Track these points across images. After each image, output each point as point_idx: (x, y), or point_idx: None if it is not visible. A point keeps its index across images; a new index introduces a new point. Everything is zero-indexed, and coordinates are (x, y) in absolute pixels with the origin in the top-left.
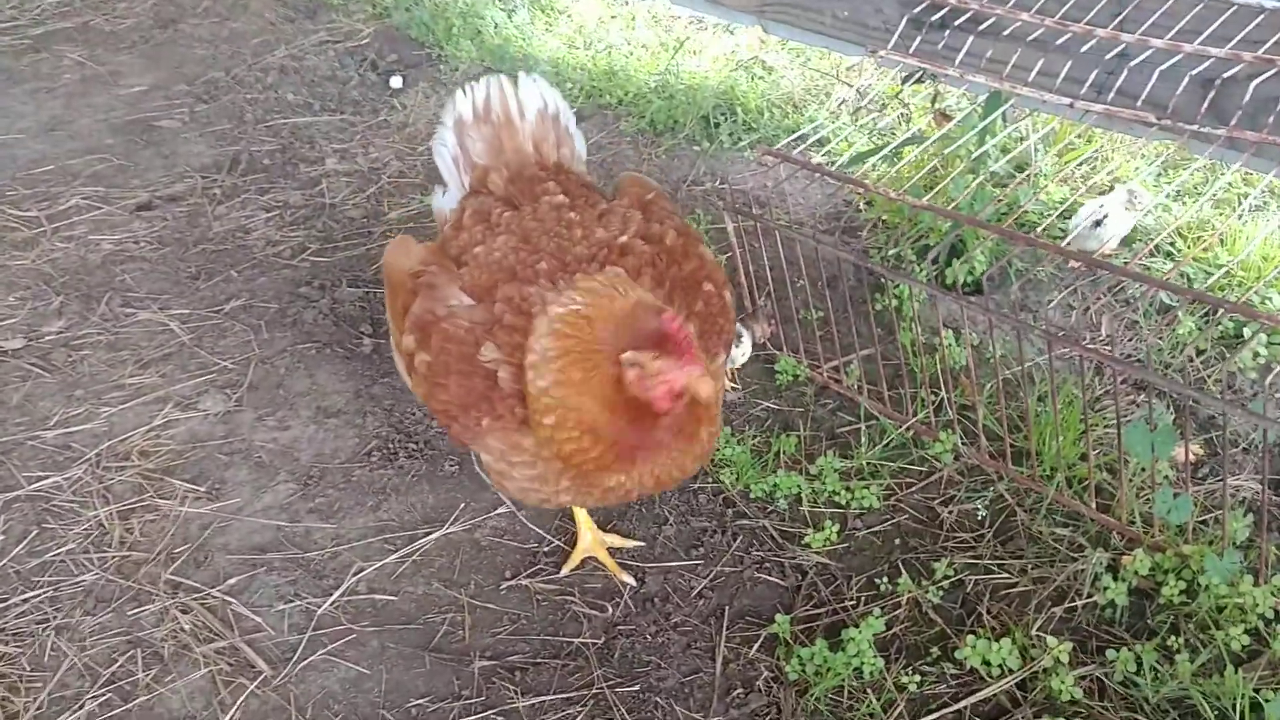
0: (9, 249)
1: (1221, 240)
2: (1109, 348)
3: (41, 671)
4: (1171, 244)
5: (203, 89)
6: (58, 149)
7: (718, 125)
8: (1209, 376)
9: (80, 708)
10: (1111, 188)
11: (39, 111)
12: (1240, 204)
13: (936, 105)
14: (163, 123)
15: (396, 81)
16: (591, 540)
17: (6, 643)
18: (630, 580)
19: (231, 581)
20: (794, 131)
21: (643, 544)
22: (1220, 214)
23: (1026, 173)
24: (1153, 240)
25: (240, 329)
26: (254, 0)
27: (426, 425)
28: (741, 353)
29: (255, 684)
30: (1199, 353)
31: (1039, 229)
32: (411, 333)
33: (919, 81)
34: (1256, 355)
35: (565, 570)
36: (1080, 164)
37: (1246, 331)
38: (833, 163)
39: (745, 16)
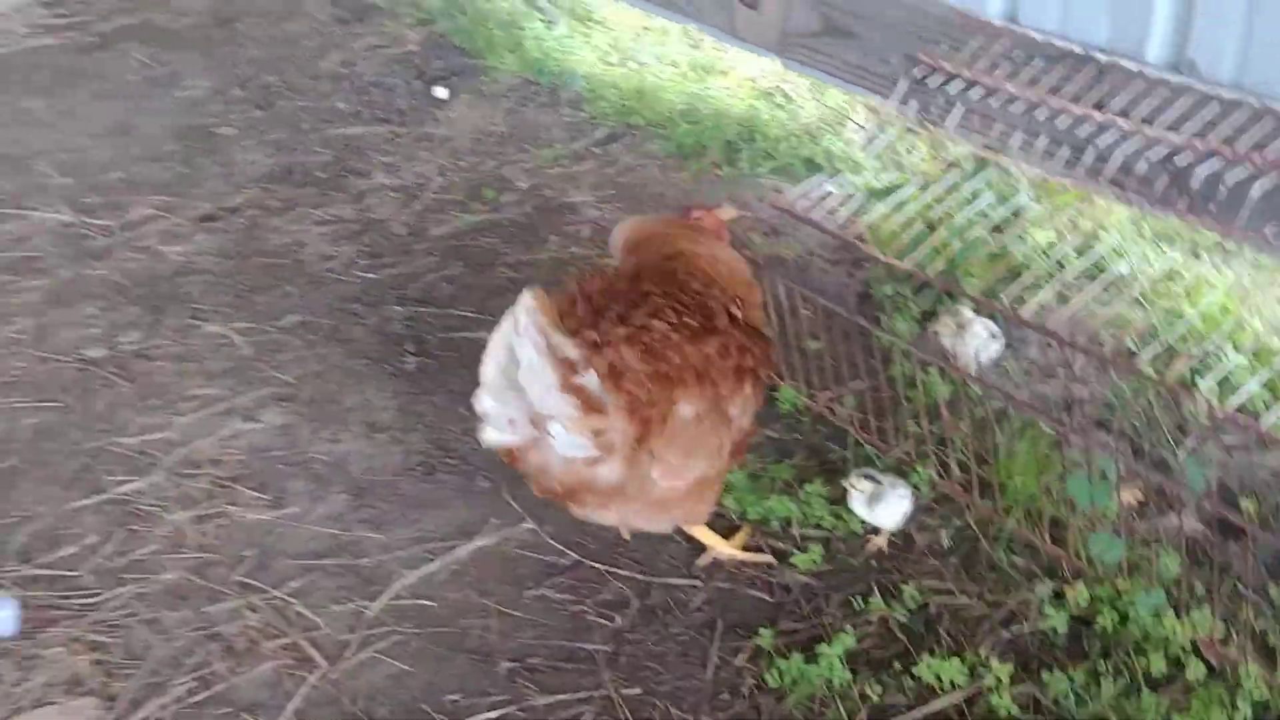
0: (87, 258)
1: (1186, 292)
2: (1081, 386)
3: (134, 659)
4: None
5: (259, 94)
6: (124, 155)
7: (739, 151)
8: (1163, 421)
9: (167, 693)
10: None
11: (105, 115)
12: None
13: (938, 153)
14: (221, 129)
15: (441, 91)
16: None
17: (103, 634)
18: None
19: (293, 584)
20: (810, 160)
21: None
22: (1190, 263)
23: (1016, 215)
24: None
25: (297, 344)
26: (306, 3)
27: (463, 442)
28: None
29: (314, 677)
30: (1157, 396)
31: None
32: None
33: (921, 124)
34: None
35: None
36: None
37: (1199, 381)
38: (843, 199)
39: (767, 52)
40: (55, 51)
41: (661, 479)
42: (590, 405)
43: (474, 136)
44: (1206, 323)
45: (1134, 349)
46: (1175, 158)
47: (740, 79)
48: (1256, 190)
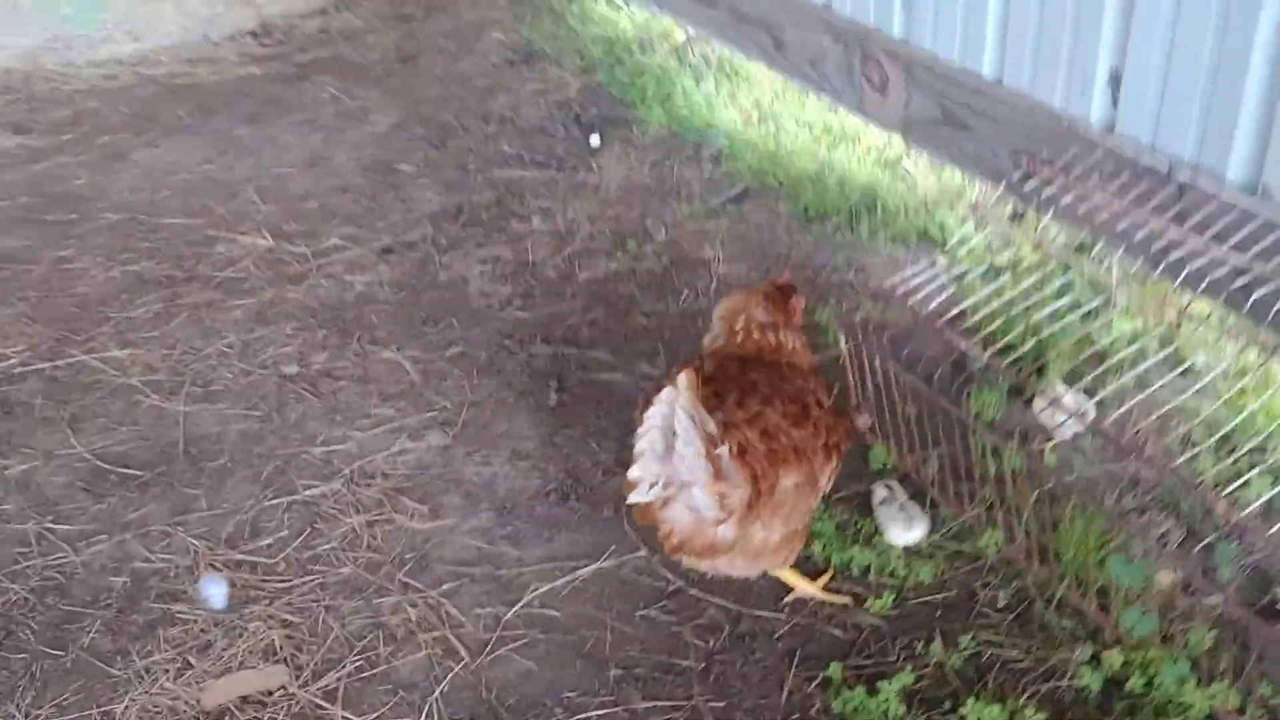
0: (286, 282)
1: (1254, 388)
2: (1149, 468)
3: (316, 639)
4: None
5: (434, 132)
6: (319, 185)
7: (861, 217)
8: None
9: (344, 667)
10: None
11: (303, 145)
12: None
13: (1038, 243)
14: (401, 166)
15: (595, 139)
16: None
17: (292, 614)
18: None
19: (444, 586)
20: (924, 232)
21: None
22: (1259, 359)
23: (1104, 305)
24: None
25: (457, 373)
26: (480, 42)
27: (592, 475)
28: (911, 536)
29: (458, 667)
30: (1215, 484)
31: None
32: None
33: (1020, 217)
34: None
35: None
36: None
37: (1253, 474)
38: (948, 277)
39: (892, 132)
40: (260, 81)
41: (762, 535)
42: (720, 474)
43: (622, 187)
44: (1266, 418)
45: (1194, 440)
46: (1242, 275)
47: (867, 148)
48: None
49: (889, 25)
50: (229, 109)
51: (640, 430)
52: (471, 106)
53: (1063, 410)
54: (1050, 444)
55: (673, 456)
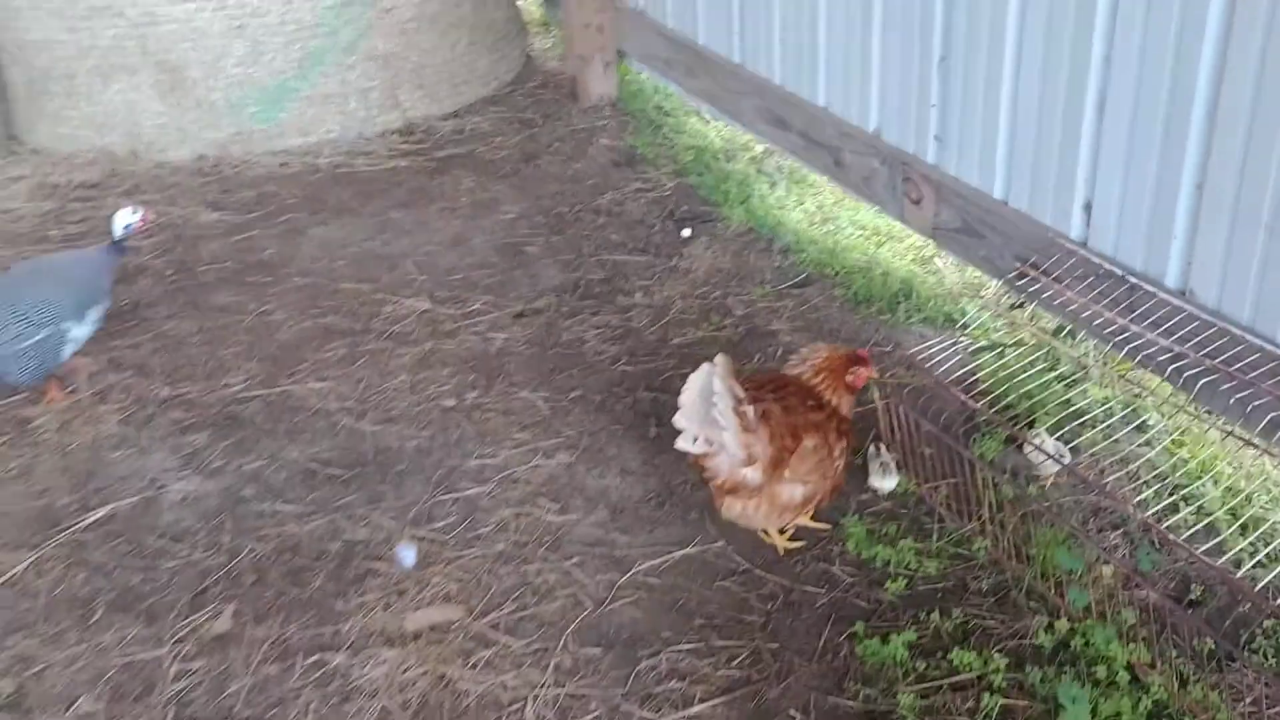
0: (444, 337)
1: (1190, 442)
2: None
3: (481, 590)
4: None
5: (553, 221)
6: (462, 261)
7: (899, 303)
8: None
9: (502, 610)
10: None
11: (446, 227)
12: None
13: (1034, 326)
14: (527, 248)
15: (686, 232)
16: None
17: (463, 575)
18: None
19: (573, 559)
20: (949, 316)
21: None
22: (1200, 423)
23: (1083, 374)
24: (1152, 434)
25: (578, 411)
26: (591, 146)
27: (683, 487)
28: (887, 484)
29: (584, 614)
30: (1151, 510)
31: (1086, 416)
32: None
33: (1019, 306)
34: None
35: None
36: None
37: (1182, 504)
38: (964, 351)
39: (925, 236)
40: (407, 172)
41: (789, 491)
42: (747, 427)
43: (708, 271)
44: (1196, 463)
45: (1142, 478)
46: (1176, 358)
47: (907, 246)
48: (1222, 390)
49: (925, 153)
50: (384, 195)
51: (682, 390)
52: (584, 200)
53: (1045, 454)
54: (1046, 481)
55: (709, 413)
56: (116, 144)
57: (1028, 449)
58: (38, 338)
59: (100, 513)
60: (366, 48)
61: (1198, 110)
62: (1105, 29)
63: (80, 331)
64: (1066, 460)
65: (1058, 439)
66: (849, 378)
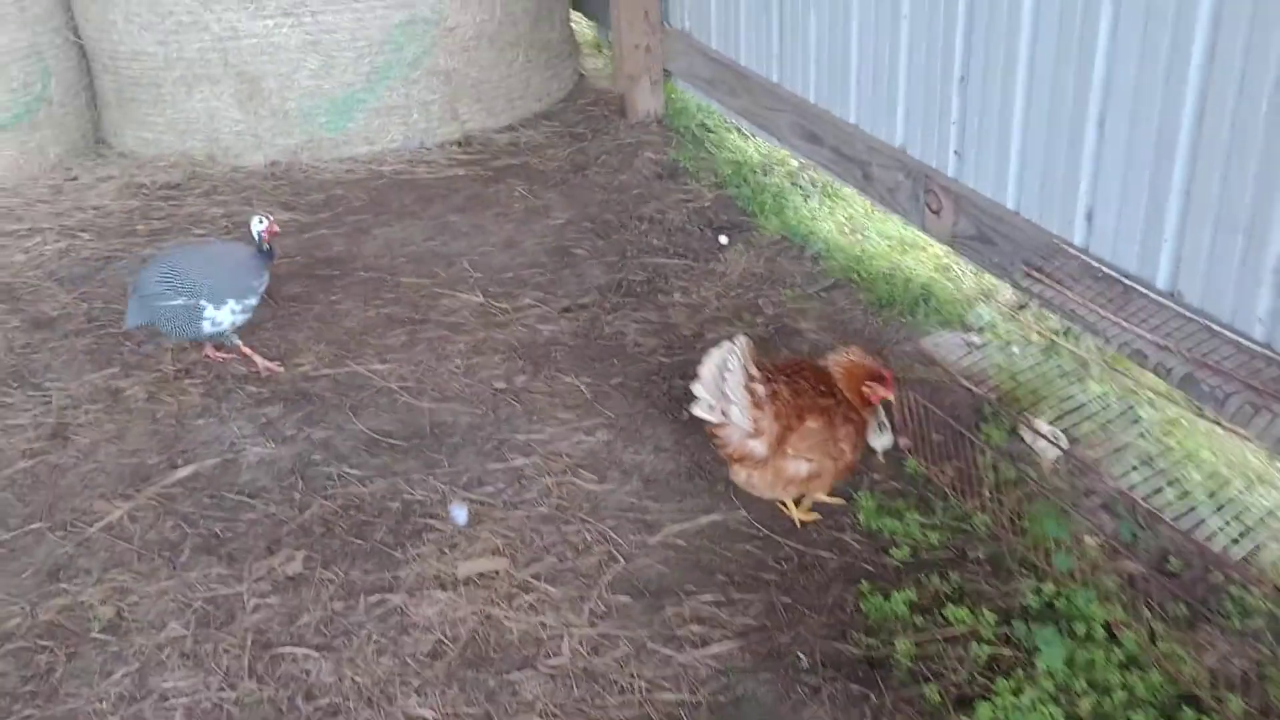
0: (495, 328)
1: (1176, 429)
2: (1097, 479)
3: (525, 545)
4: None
5: (600, 227)
6: (514, 261)
7: (919, 306)
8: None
9: (543, 562)
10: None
11: (500, 231)
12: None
13: (1040, 324)
14: (575, 250)
15: (723, 239)
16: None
17: (509, 533)
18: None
19: (609, 522)
20: (963, 319)
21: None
22: (1185, 411)
23: (1083, 368)
24: (1144, 423)
25: (618, 395)
26: (636, 159)
27: (711, 464)
28: (883, 442)
29: (618, 567)
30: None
31: (1085, 407)
32: None
33: (1025, 307)
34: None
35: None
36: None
37: (1166, 486)
38: (977, 347)
39: (944, 244)
40: (465, 180)
41: (794, 466)
42: (756, 402)
43: (742, 275)
44: (1180, 449)
45: (1132, 464)
46: (1164, 352)
47: (928, 255)
48: (1206, 384)
49: (945, 167)
50: (443, 200)
51: (702, 363)
52: (628, 208)
53: (1042, 435)
54: (1045, 467)
55: (724, 386)
56: (196, 148)
57: (1026, 434)
58: (176, 303)
59: (186, 471)
60: (429, 64)
61: (1185, 130)
62: (1105, 56)
63: (218, 314)
64: (1064, 444)
65: (1055, 427)
66: (865, 389)
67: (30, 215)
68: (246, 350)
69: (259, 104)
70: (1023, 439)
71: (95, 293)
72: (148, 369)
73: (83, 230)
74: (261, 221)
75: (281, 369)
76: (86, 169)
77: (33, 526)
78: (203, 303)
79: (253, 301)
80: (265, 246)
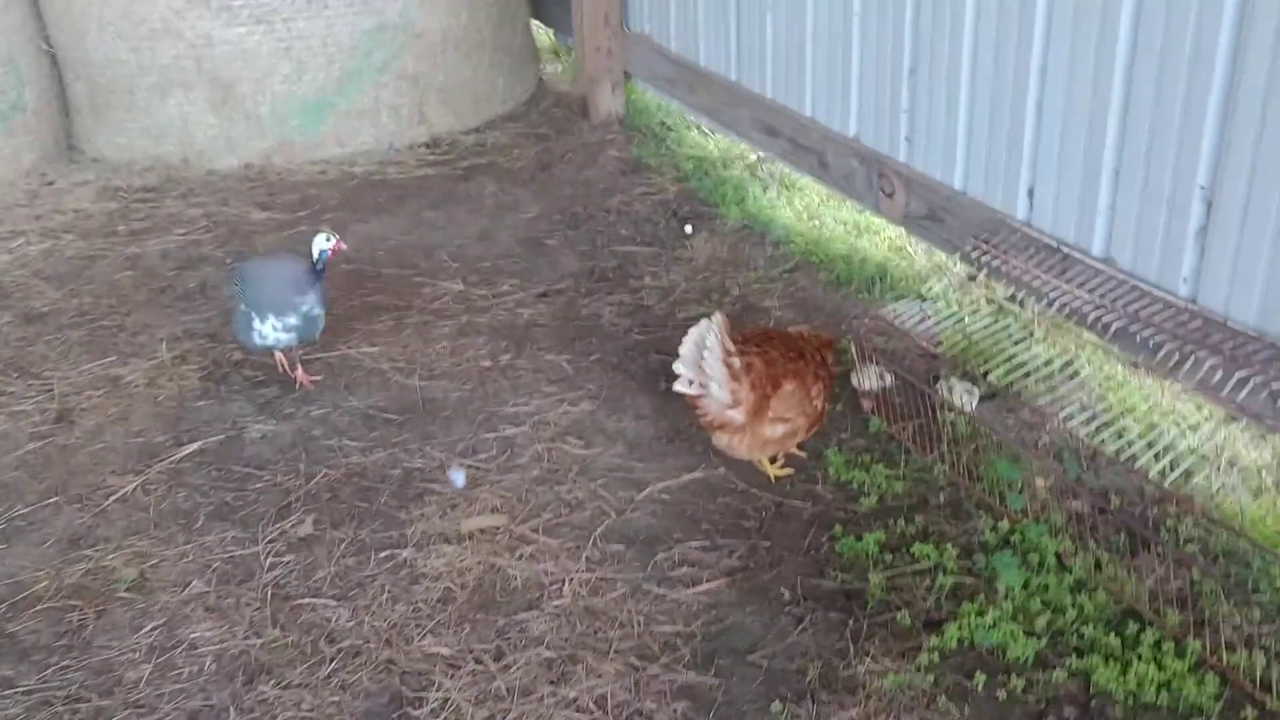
0: (476, 312)
1: (1115, 386)
2: (1045, 433)
3: (522, 504)
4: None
5: (569, 219)
6: (489, 251)
7: (875, 284)
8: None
9: (539, 518)
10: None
11: (474, 225)
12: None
13: (989, 294)
14: (547, 241)
15: (688, 228)
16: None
17: (505, 493)
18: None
19: (599, 481)
20: (919, 293)
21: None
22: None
23: (1028, 334)
24: (1085, 379)
25: (598, 371)
26: (601, 156)
27: (689, 430)
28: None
29: (609, 520)
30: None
31: (1030, 366)
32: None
33: (974, 278)
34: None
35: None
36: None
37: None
38: (930, 317)
39: (897, 225)
40: (435, 179)
41: (772, 420)
42: (733, 375)
43: (708, 260)
44: (1119, 402)
45: (1075, 416)
46: (1102, 312)
47: (883, 237)
48: (1139, 336)
49: (897, 153)
50: (416, 198)
51: (682, 341)
52: (596, 202)
53: (962, 392)
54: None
55: (702, 362)
56: (170, 153)
57: (946, 387)
58: (240, 308)
59: (191, 447)
60: (398, 68)
61: (1113, 112)
62: (1041, 46)
63: (264, 328)
64: (976, 399)
65: (1009, 389)
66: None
67: (10, 218)
68: (282, 358)
69: (232, 108)
70: (948, 393)
71: (84, 289)
72: (145, 356)
73: (65, 231)
74: (329, 239)
75: (320, 379)
76: (62, 174)
77: (50, 500)
78: (250, 311)
79: (293, 320)
80: (319, 265)
